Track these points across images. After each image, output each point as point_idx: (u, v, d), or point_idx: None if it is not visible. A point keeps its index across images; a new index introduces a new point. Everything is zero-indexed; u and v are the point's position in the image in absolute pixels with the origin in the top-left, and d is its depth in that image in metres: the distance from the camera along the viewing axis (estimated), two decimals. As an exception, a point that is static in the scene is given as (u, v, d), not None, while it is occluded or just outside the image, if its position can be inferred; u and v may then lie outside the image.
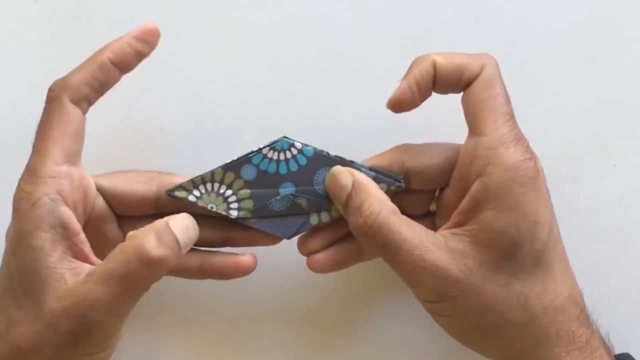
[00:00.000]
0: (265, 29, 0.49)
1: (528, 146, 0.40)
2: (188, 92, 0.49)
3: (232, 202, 0.43)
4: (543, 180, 0.40)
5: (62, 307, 0.37)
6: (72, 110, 0.40)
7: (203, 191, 0.43)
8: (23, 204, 0.38)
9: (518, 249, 0.39)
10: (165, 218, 0.39)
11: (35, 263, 0.38)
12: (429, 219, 0.44)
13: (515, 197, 0.39)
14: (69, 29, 0.49)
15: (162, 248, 0.37)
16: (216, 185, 0.43)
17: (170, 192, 0.42)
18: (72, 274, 0.38)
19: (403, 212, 0.41)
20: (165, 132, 0.49)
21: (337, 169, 0.42)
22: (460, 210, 0.40)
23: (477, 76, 0.41)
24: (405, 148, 0.44)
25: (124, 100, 0.49)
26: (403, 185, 0.43)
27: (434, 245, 0.39)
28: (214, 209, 0.43)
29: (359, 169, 0.42)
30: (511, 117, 0.40)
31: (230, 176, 0.43)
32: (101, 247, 0.41)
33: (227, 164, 0.43)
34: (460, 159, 0.42)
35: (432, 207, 0.44)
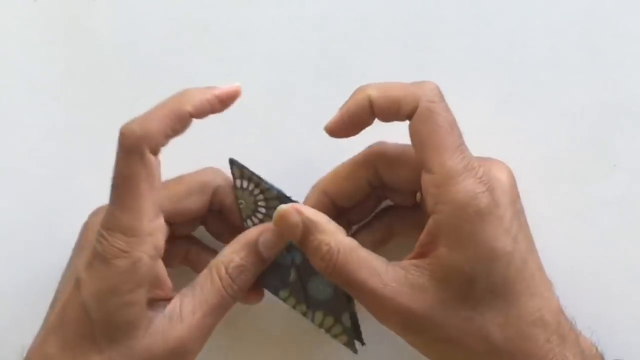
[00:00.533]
0: (265, 29, 0.49)
1: (481, 176, 0.38)
2: (188, 92, 0.49)
3: (260, 207, 0.44)
4: (506, 206, 0.39)
5: (161, 347, 0.39)
6: (154, 161, 0.39)
7: (245, 185, 0.43)
8: (121, 261, 0.38)
9: (473, 284, 0.38)
10: (251, 236, 0.42)
11: (133, 315, 0.39)
12: (419, 209, 0.44)
13: (466, 235, 0.38)
14: (69, 29, 0.49)
15: (246, 274, 0.41)
16: (257, 191, 0.43)
17: (234, 161, 0.44)
18: (155, 314, 0.39)
19: (393, 207, 0.41)
20: (165, 132, 0.48)
21: (282, 208, 0.41)
22: (420, 243, 0.40)
23: (414, 110, 0.39)
24: (378, 154, 0.43)
25: (124, 100, 0.49)
26: None
27: (394, 282, 0.39)
28: (241, 206, 0.43)
29: None
30: (458, 146, 0.39)
31: (270, 193, 0.43)
32: None
33: (278, 191, 0.43)
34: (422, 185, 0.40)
35: (418, 197, 0.44)
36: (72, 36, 0.49)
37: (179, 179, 0.44)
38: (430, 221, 0.39)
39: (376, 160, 0.43)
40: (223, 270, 0.41)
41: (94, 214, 0.44)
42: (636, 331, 0.47)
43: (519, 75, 0.48)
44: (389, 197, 0.45)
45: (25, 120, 0.49)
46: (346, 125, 0.41)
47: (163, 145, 0.39)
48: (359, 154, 0.44)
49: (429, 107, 0.39)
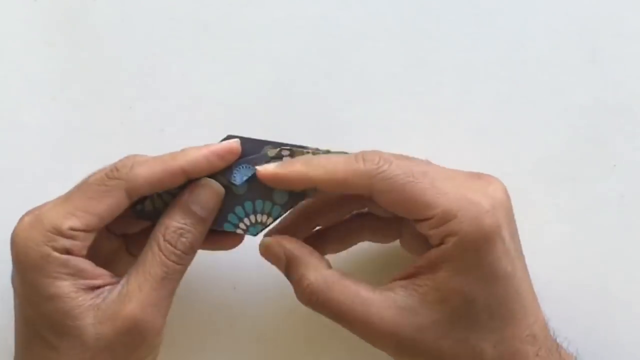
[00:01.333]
0: (265, 29, 0.49)
1: (480, 198, 0.38)
2: (188, 92, 0.49)
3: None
4: (506, 227, 0.38)
5: (113, 329, 0.38)
6: (120, 199, 0.39)
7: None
8: (31, 256, 0.39)
9: (471, 306, 0.38)
10: (181, 198, 0.40)
11: (65, 308, 0.38)
12: (396, 222, 0.44)
13: (471, 262, 0.38)
14: (69, 29, 0.49)
15: (187, 236, 0.40)
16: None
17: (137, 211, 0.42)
18: (102, 299, 0.39)
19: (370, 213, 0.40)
20: (165, 132, 0.49)
21: (266, 241, 0.41)
22: (414, 266, 0.39)
23: (368, 188, 0.38)
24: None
25: (124, 100, 0.49)
26: None
27: (382, 307, 0.38)
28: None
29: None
30: (432, 183, 0.38)
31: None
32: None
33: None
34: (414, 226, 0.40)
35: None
36: (72, 36, 0.49)
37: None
38: (433, 251, 0.38)
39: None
40: (161, 239, 0.40)
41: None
42: (636, 330, 0.47)
43: (519, 75, 0.48)
44: (367, 207, 0.44)
45: (25, 120, 0.49)
46: (277, 184, 0.40)
47: (144, 193, 0.40)
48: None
49: (383, 178, 0.38)
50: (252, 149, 0.41)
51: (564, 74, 0.48)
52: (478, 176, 0.40)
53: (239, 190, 0.41)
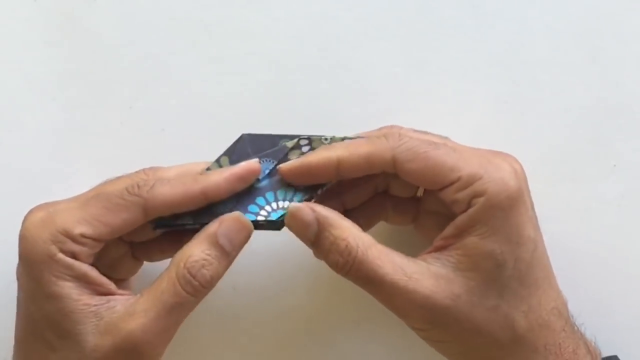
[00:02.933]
0: (265, 29, 0.49)
1: (505, 164, 0.39)
2: (188, 92, 0.49)
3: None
4: (528, 194, 0.40)
5: (112, 343, 0.38)
6: (137, 216, 0.39)
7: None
8: (39, 252, 0.38)
9: (502, 270, 0.38)
10: (211, 228, 0.39)
11: (65, 309, 0.38)
12: (414, 203, 0.44)
13: (499, 220, 0.38)
14: (69, 29, 0.49)
15: (209, 268, 0.39)
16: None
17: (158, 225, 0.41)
18: (106, 309, 0.39)
19: (390, 194, 0.41)
20: (165, 132, 0.49)
21: (294, 206, 0.40)
22: (443, 236, 0.40)
23: (390, 161, 0.39)
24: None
25: (124, 100, 0.49)
26: None
27: (417, 274, 0.38)
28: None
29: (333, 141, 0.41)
30: (451, 147, 0.39)
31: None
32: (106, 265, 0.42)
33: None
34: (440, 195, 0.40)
35: (420, 193, 0.44)
36: (72, 36, 0.49)
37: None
38: (460, 217, 0.39)
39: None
40: (181, 266, 0.39)
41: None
42: (636, 330, 0.47)
43: (519, 75, 0.48)
44: (390, 188, 0.44)
45: (24, 120, 0.49)
46: (304, 175, 0.40)
47: (162, 214, 0.39)
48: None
49: (406, 148, 0.39)
50: (269, 144, 0.41)
51: (564, 74, 0.48)
52: (494, 151, 0.41)
53: (260, 183, 0.41)
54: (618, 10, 0.49)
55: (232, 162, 0.41)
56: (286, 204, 0.41)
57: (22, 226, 0.40)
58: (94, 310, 0.38)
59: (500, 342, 0.39)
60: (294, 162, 0.40)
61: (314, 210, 0.39)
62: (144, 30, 0.49)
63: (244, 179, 0.40)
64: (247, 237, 0.40)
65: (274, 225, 0.41)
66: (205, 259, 0.39)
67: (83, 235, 0.39)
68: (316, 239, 0.40)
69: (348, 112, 0.48)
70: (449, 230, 0.39)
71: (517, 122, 0.48)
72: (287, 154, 0.41)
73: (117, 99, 0.48)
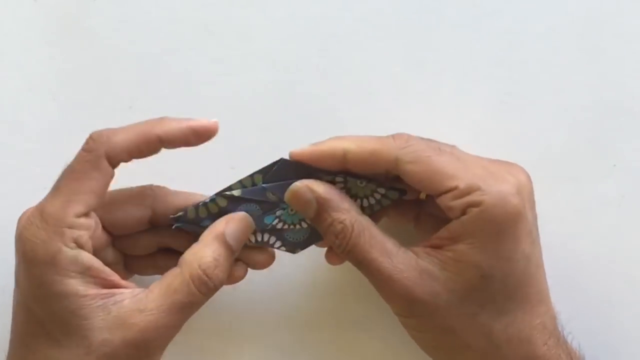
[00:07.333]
0: (265, 29, 0.49)
1: (509, 179, 0.39)
2: (188, 92, 0.49)
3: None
4: (529, 209, 0.40)
5: (122, 338, 0.38)
6: (105, 168, 0.39)
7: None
8: (40, 253, 0.38)
9: (488, 283, 0.39)
10: (218, 228, 0.40)
11: (72, 306, 0.38)
12: (416, 204, 0.44)
13: (491, 236, 0.38)
14: (69, 29, 0.49)
15: (221, 268, 0.40)
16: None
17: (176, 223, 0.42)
18: (113, 303, 0.39)
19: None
20: (165, 132, 0.48)
21: (295, 185, 0.41)
22: (438, 236, 0.40)
23: (393, 161, 0.40)
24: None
25: (124, 100, 0.49)
26: (405, 195, 0.42)
27: (403, 265, 0.39)
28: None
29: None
30: (456, 155, 0.40)
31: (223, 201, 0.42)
32: None
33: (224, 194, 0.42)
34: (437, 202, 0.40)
35: (422, 196, 0.44)
36: (72, 36, 0.49)
37: (118, 191, 0.43)
38: (453, 223, 0.39)
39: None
40: (196, 266, 0.40)
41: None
42: (636, 330, 0.47)
43: (519, 75, 0.48)
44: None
45: (24, 120, 0.49)
46: (312, 160, 0.41)
47: (124, 160, 0.40)
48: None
49: (410, 151, 0.40)
50: (304, 174, 0.42)
51: (564, 74, 0.48)
52: (502, 162, 0.41)
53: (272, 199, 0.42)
54: (618, 10, 0.49)
55: (265, 182, 0.42)
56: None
57: (18, 232, 0.40)
58: (101, 305, 0.38)
59: (473, 347, 0.39)
60: (305, 146, 0.41)
61: (313, 191, 0.40)
62: (144, 30, 0.49)
63: (198, 135, 0.40)
64: (249, 233, 0.42)
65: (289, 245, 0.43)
66: (216, 259, 0.40)
67: (76, 215, 0.39)
68: (316, 217, 0.41)
69: (348, 112, 0.48)
70: (443, 232, 0.40)
71: (517, 122, 0.48)
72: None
73: (117, 99, 0.48)
